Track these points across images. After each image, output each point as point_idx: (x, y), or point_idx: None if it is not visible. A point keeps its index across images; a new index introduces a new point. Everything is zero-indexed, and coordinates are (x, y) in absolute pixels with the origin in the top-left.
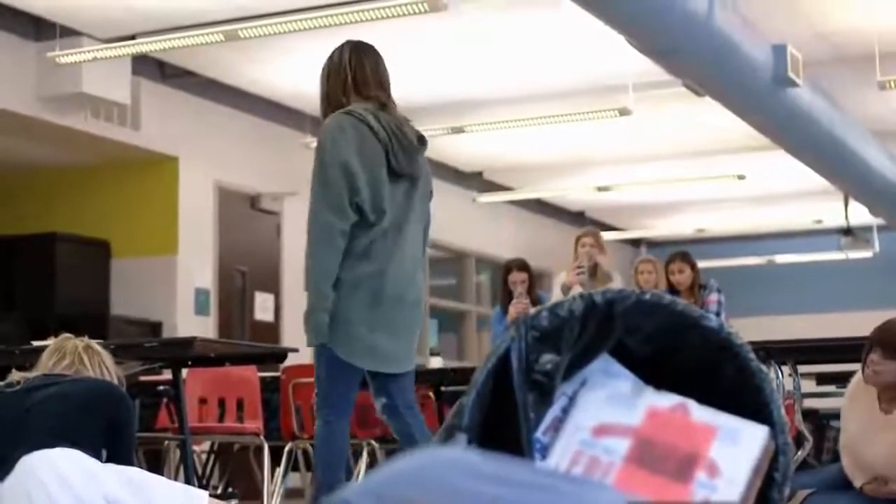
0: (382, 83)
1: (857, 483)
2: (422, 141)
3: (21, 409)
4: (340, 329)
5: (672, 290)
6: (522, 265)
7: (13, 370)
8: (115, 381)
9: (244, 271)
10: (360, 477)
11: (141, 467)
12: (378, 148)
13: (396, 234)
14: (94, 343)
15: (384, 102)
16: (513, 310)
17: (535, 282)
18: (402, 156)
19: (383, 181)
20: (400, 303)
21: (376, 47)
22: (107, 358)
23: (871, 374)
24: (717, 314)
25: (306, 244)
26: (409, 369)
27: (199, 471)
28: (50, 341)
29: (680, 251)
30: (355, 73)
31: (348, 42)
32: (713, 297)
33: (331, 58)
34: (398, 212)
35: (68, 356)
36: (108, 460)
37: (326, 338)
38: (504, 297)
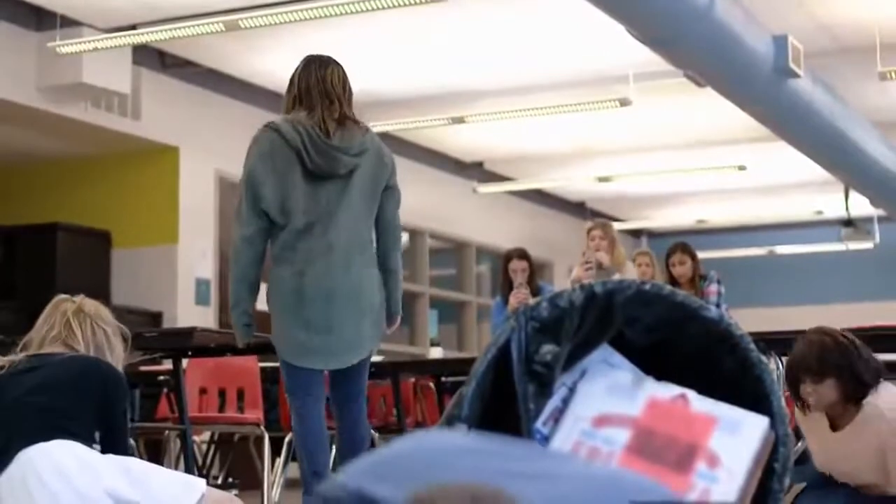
0: (327, 91)
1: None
2: (360, 140)
3: (9, 397)
4: (278, 330)
5: (673, 282)
6: (523, 254)
7: None
8: (112, 343)
9: None
10: None
11: (141, 457)
12: (289, 153)
13: (322, 232)
14: (88, 303)
15: (312, 108)
16: (513, 300)
17: (536, 272)
18: (317, 157)
19: (294, 184)
20: (327, 299)
21: (332, 58)
22: (101, 319)
23: (813, 404)
24: (717, 305)
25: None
26: (345, 365)
27: (200, 461)
28: None
29: (680, 243)
30: (300, 87)
31: (304, 58)
32: (713, 287)
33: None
34: (322, 210)
35: (57, 326)
36: (102, 441)
37: (249, 338)
38: (505, 286)
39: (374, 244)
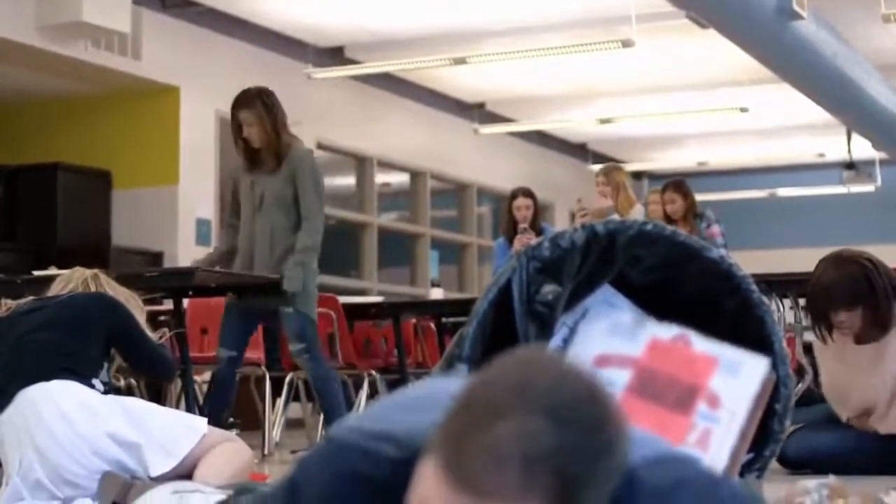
0: None
1: (844, 417)
2: None
3: (12, 336)
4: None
5: (667, 219)
6: (528, 192)
7: (1, 300)
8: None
9: None
10: (362, 407)
11: (142, 398)
12: None
13: None
14: (103, 275)
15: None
16: (517, 244)
17: (539, 212)
18: None
19: None
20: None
21: None
22: (115, 290)
23: (847, 332)
24: (724, 246)
25: (310, 234)
26: None
27: (201, 401)
28: (51, 271)
29: (673, 181)
30: (284, 114)
31: (266, 90)
32: (716, 228)
33: (271, 104)
34: None
35: (73, 283)
36: (129, 359)
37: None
38: (509, 225)
39: None
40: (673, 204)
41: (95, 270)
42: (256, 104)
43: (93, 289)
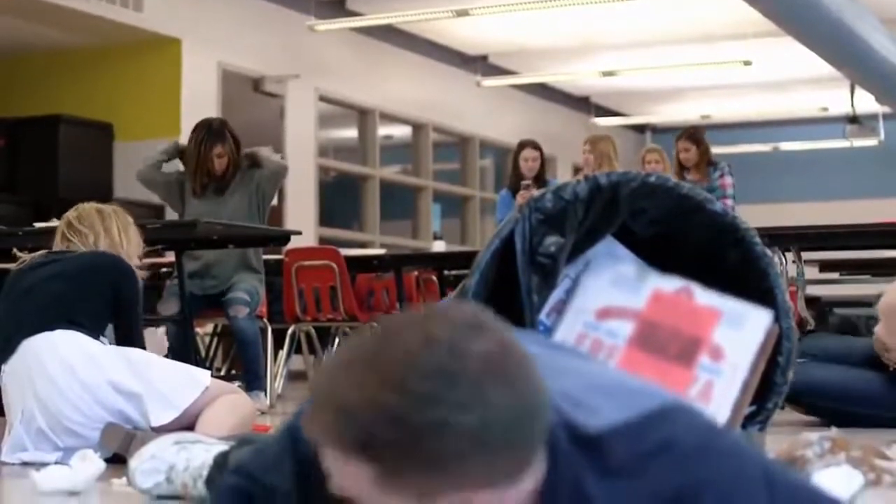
0: None
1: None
2: None
3: (21, 288)
4: None
5: (681, 167)
6: (535, 144)
7: (13, 250)
8: (115, 240)
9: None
10: None
11: (144, 349)
12: None
13: None
14: (72, 214)
15: None
16: (520, 199)
17: (546, 165)
18: None
19: None
20: None
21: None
22: (87, 224)
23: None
24: (733, 197)
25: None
26: None
27: (203, 353)
28: (53, 223)
29: (688, 128)
30: None
31: (225, 120)
32: (728, 180)
33: (232, 131)
34: None
35: (58, 244)
36: (116, 332)
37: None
38: (513, 178)
39: None
40: (687, 152)
41: (69, 218)
42: (227, 136)
43: (72, 238)
